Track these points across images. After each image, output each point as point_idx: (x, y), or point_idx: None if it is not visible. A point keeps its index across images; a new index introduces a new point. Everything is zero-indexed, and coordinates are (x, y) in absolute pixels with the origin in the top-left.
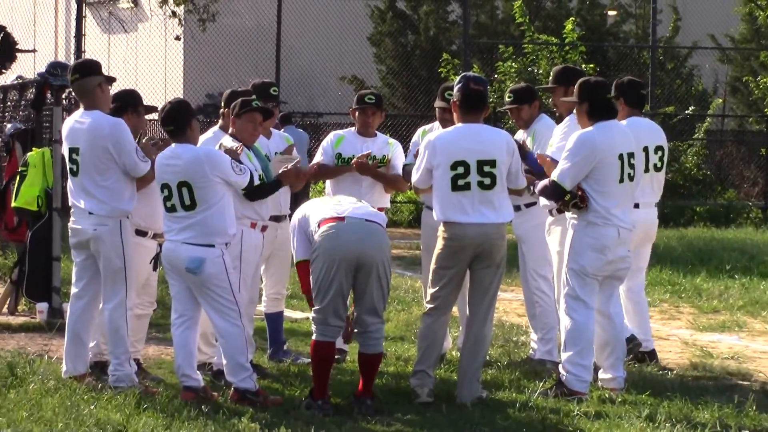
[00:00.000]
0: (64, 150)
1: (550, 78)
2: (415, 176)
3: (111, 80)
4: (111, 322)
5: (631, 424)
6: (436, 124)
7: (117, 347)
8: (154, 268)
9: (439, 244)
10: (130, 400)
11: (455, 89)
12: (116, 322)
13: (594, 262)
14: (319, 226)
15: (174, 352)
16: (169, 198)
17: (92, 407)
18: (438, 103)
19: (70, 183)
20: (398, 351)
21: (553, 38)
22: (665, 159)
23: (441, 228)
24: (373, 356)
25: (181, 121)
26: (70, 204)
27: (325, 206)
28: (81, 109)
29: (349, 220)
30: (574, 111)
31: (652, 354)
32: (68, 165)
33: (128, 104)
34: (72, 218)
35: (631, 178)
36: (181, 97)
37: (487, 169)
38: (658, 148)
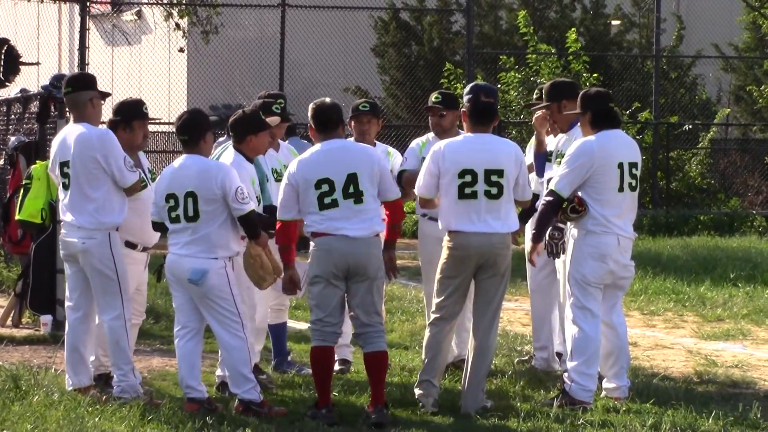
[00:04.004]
0: (54, 165)
1: (543, 96)
2: (419, 184)
3: (104, 95)
4: (111, 333)
5: None
6: (431, 135)
7: (119, 359)
8: (158, 280)
9: (444, 253)
10: (135, 412)
11: (465, 99)
12: (116, 334)
13: (595, 271)
14: (312, 235)
15: (177, 364)
16: (174, 208)
17: (97, 419)
18: (430, 105)
19: (60, 196)
20: (402, 361)
21: (554, 49)
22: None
23: (446, 237)
24: (378, 354)
25: (196, 132)
26: (60, 217)
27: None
28: (70, 123)
29: (340, 236)
30: (578, 124)
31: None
32: (60, 179)
33: (120, 119)
34: (63, 231)
35: (632, 188)
36: (185, 109)
37: (494, 178)
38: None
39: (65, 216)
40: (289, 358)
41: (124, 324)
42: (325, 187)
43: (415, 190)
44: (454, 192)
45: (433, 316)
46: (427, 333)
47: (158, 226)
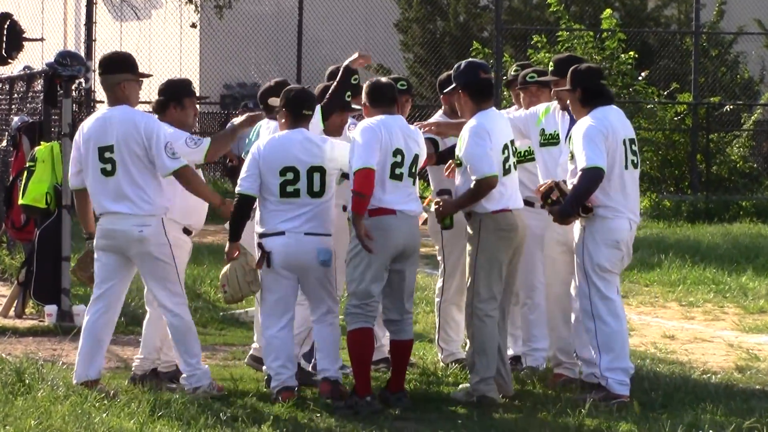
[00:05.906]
0: (91, 150)
1: (551, 68)
2: (489, 167)
3: (140, 77)
4: (181, 324)
5: (673, 431)
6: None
7: (190, 348)
8: (268, 265)
9: (490, 238)
10: (144, 407)
11: (462, 79)
12: (186, 323)
13: (610, 258)
14: (369, 214)
15: (317, 348)
16: (292, 182)
17: (104, 415)
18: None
19: (96, 184)
20: (427, 354)
21: (588, 25)
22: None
23: (488, 218)
24: (409, 342)
25: (313, 107)
26: (97, 206)
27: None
28: (105, 105)
29: (400, 214)
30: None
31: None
32: (99, 165)
33: (170, 98)
34: (104, 219)
35: (635, 165)
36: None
37: (513, 149)
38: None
39: (113, 204)
40: None
41: (188, 311)
42: (398, 158)
43: (485, 173)
44: (500, 169)
45: (486, 307)
46: (485, 327)
47: (247, 201)
